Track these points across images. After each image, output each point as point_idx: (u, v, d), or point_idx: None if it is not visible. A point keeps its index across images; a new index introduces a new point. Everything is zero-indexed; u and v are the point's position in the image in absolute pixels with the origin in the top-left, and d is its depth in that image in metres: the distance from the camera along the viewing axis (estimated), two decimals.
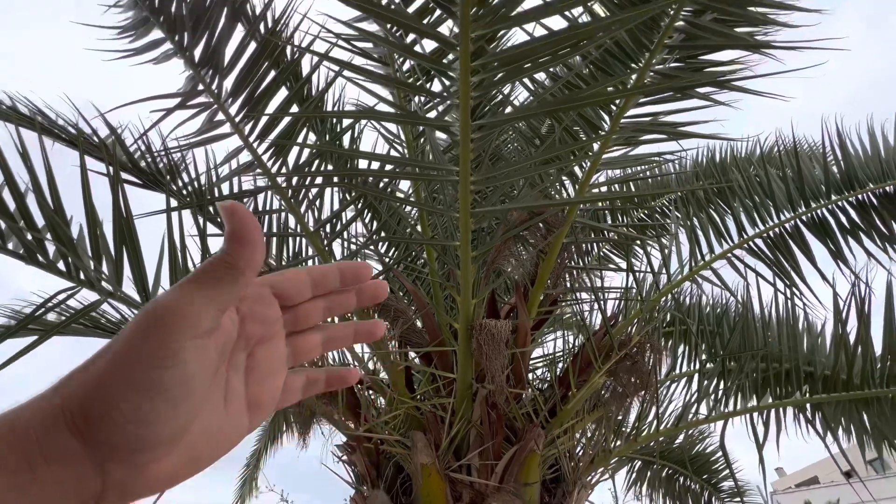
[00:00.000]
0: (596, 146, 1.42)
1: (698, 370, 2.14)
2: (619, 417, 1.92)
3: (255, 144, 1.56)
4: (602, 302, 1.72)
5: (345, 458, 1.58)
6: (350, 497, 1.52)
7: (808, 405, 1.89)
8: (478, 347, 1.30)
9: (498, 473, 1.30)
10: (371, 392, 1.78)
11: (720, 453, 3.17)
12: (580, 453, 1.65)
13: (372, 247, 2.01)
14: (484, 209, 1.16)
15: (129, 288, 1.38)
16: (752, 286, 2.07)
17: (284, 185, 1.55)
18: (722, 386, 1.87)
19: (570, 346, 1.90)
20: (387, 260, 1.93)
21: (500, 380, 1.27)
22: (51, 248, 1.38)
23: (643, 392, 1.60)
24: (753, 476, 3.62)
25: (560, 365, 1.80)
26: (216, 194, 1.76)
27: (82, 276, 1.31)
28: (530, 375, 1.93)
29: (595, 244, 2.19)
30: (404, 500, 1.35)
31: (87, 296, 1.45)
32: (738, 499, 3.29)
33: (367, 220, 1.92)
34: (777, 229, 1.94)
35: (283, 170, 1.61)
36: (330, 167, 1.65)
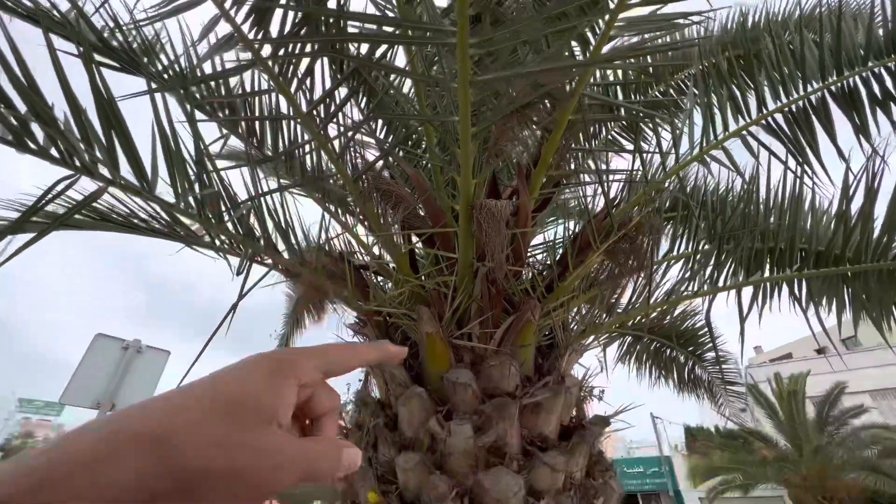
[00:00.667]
0: (613, 3, 1.25)
1: (694, 251, 2.20)
2: (614, 297, 2.04)
3: (231, 12, 1.40)
4: (606, 184, 1.69)
5: (358, 332, 1.72)
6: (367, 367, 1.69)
7: (796, 280, 1.97)
8: (478, 226, 1.32)
9: (496, 339, 1.42)
10: (378, 277, 1.87)
11: (705, 329, 3.43)
12: (574, 325, 1.78)
13: (369, 132, 1.93)
14: (484, 77, 1.08)
15: (127, 174, 1.37)
16: (762, 167, 2.02)
17: (270, 59, 1.43)
18: (713, 263, 1.94)
19: (571, 231, 1.93)
20: (385, 146, 1.87)
21: (499, 257, 1.31)
22: (40, 136, 1.34)
23: (639, 272, 1.66)
24: (734, 349, 3.96)
25: (560, 248, 1.85)
26: (199, 74, 1.64)
27: (77, 163, 1.30)
28: (530, 259, 2.00)
29: (603, 126, 2.08)
30: (413, 363, 1.51)
31: (89, 187, 1.45)
32: (719, 367, 3.66)
33: (362, 102, 1.81)
34: (801, 102, 1.82)
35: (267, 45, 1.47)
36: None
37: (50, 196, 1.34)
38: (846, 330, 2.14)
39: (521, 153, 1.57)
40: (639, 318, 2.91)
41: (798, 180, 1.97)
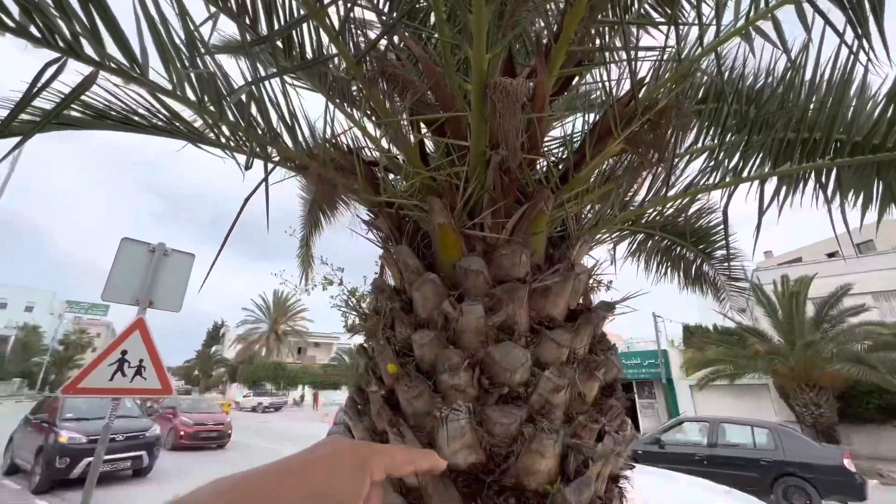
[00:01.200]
0: None
1: (721, 142, 2.07)
2: (630, 192, 1.99)
3: None
4: (634, 62, 1.53)
5: (370, 226, 1.74)
6: (379, 256, 1.74)
7: (825, 171, 1.87)
8: (492, 108, 1.23)
9: (508, 229, 1.42)
10: (389, 174, 1.83)
11: (718, 228, 3.40)
12: (587, 218, 1.77)
13: (371, 5, 1.73)
14: None
15: (115, 54, 1.28)
16: (812, 43, 1.79)
17: None
18: (740, 153, 1.84)
19: (590, 121, 1.81)
20: (389, 21, 1.69)
21: (514, 143, 1.25)
22: (16, 12, 1.23)
23: (660, 163, 1.58)
24: (743, 248, 3.95)
25: (577, 138, 1.76)
26: None
27: (60, 42, 1.21)
28: (545, 150, 1.92)
29: None
30: (426, 252, 1.55)
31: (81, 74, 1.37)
32: (727, 264, 3.71)
33: None
34: None
35: None
36: None
37: (40, 84, 1.28)
38: (865, 233, 2.09)
39: (540, 26, 1.40)
40: (653, 214, 2.89)
41: (852, 58, 1.76)
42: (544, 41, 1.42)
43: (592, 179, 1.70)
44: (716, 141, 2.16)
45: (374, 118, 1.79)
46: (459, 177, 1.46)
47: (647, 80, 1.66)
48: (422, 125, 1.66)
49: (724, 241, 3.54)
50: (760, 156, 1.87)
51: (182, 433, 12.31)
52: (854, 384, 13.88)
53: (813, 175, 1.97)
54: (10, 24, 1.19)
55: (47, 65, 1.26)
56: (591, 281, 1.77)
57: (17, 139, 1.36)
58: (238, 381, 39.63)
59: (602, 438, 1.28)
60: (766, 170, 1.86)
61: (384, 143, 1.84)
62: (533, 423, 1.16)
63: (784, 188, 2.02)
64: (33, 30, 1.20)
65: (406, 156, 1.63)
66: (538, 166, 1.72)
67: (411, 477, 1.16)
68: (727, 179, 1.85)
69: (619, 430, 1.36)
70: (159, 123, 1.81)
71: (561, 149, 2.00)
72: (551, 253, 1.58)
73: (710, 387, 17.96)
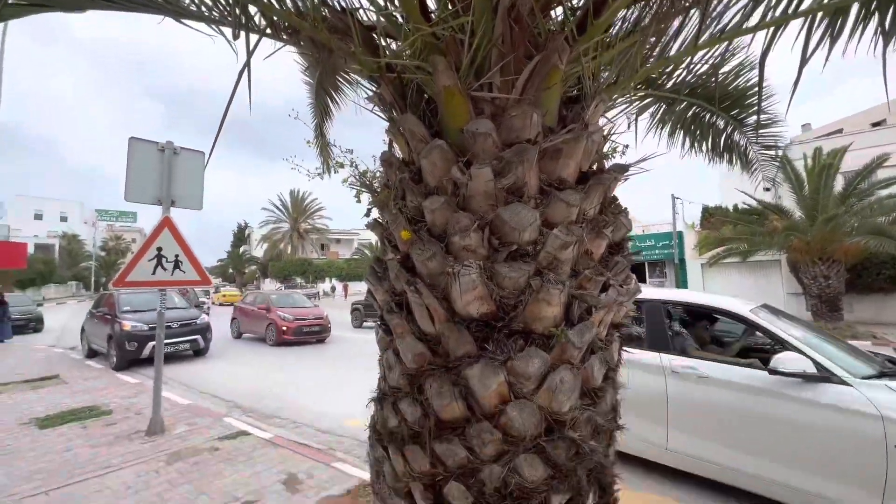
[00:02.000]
0: None
1: None
2: (658, 45, 1.78)
3: None
4: None
5: (374, 95, 1.65)
6: (385, 129, 1.69)
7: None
8: None
9: (518, 87, 1.33)
10: (388, 40, 1.66)
11: (752, 89, 3.12)
12: (605, 73, 1.63)
13: None
14: None
15: None
16: None
17: None
18: None
19: None
20: None
21: None
22: None
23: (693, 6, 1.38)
24: (782, 115, 3.63)
25: None
26: None
27: None
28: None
29: None
30: (432, 120, 1.49)
31: None
32: (758, 131, 3.48)
33: None
34: None
35: None
36: None
37: None
38: None
39: None
40: (682, 74, 2.64)
41: None
42: None
43: (615, 30, 1.52)
44: None
45: None
46: (464, 30, 1.32)
47: None
48: None
49: (757, 107, 3.28)
50: None
51: (284, 328, 11.81)
52: (868, 256, 13.99)
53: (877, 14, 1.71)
54: None
55: None
56: (605, 143, 1.70)
57: None
58: (270, 277, 42.57)
59: (606, 290, 1.36)
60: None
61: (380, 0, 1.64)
62: (540, 276, 1.23)
63: (838, 24, 1.76)
64: None
65: (406, 10, 1.46)
66: (552, 13, 1.54)
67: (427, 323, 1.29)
68: (768, 19, 1.62)
69: (623, 284, 1.44)
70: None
71: None
72: (564, 114, 1.50)
73: (722, 265, 18.43)
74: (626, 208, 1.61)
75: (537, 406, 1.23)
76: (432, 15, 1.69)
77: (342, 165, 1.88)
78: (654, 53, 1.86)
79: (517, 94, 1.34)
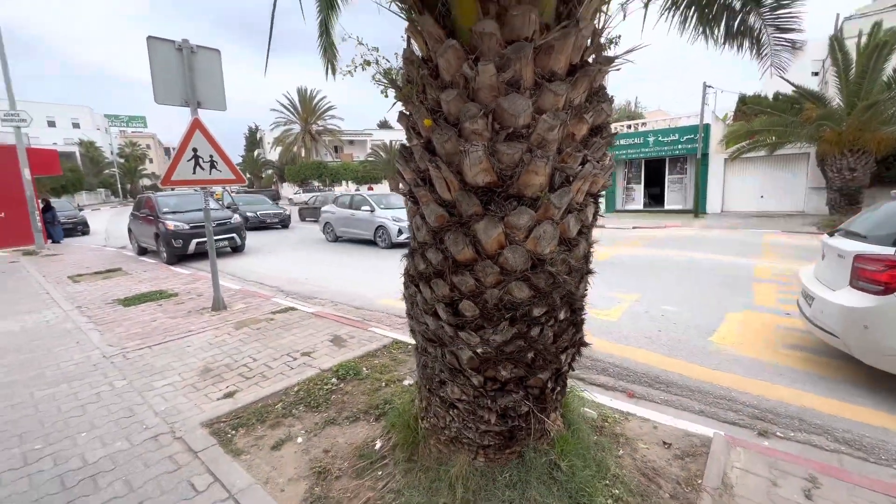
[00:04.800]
0: None
1: None
2: None
3: None
4: None
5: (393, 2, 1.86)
6: (405, 28, 1.93)
7: None
8: None
9: None
10: None
11: None
12: None
13: None
14: None
15: None
16: None
17: None
18: None
19: None
20: None
21: None
22: None
23: None
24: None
25: None
26: None
27: None
28: None
29: None
30: (446, 21, 1.73)
31: None
32: (777, 11, 3.40)
33: None
34: None
35: None
36: None
37: None
38: None
39: None
40: None
41: None
42: None
43: None
44: None
45: None
46: None
47: None
48: None
49: None
50: None
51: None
52: None
53: None
54: None
55: None
56: (599, 37, 1.92)
57: None
58: (287, 181, 43.14)
59: (584, 164, 1.74)
60: None
61: None
62: (531, 152, 1.61)
63: None
64: None
65: None
66: None
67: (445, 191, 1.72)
68: None
69: (600, 160, 1.81)
70: None
71: None
72: (561, 11, 1.72)
73: (746, 159, 17.87)
74: (611, 96, 1.90)
75: (526, 249, 1.71)
76: None
77: (369, 63, 2.14)
78: None
79: None
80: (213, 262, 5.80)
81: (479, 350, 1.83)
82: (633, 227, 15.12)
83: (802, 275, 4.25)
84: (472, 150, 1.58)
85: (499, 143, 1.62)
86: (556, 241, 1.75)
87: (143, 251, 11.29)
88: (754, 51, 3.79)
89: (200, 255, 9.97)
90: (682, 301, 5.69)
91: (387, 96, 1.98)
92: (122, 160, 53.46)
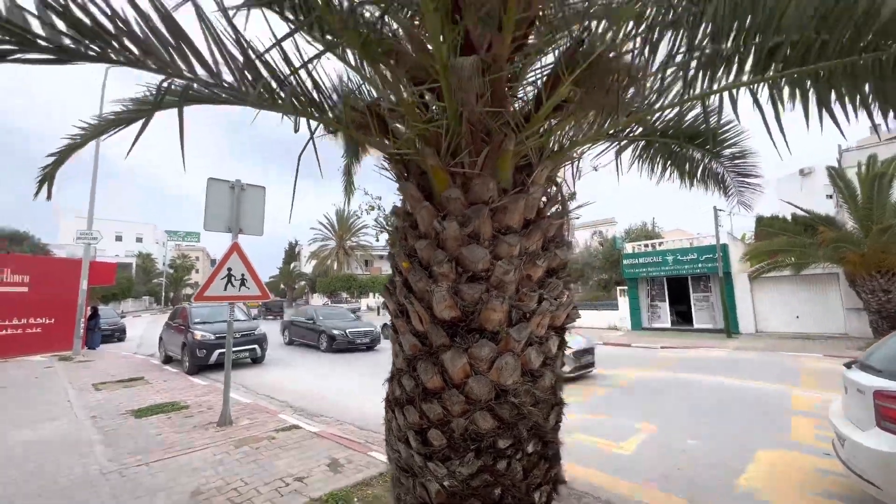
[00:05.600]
0: None
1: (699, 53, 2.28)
2: (599, 115, 2.37)
3: None
4: (568, 25, 1.87)
5: (386, 168, 2.37)
6: (396, 189, 2.39)
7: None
8: (456, 82, 1.73)
9: (478, 165, 1.99)
10: (394, 121, 2.38)
11: (725, 128, 3.56)
12: (552, 146, 2.24)
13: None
14: None
15: (203, 75, 1.91)
16: None
17: None
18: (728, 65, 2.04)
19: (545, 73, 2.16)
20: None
21: (470, 104, 1.76)
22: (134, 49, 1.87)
23: (606, 98, 1.98)
24: (757, 143, 3.97)
25: (543, 81, 2.15)
26: None
27: (154, 65, 1.86)
28: (519, 93, 2.34)
29: None
30: (425, 185, 2.16)
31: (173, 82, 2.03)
32: (735, 161, 3.87)
33: None
34: None
35: None
36: None
37: (162, 90, 1.97)
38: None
39: (491, 5, 1.79)
40: (655, 120, 3.15)
41: None
42: (496, 15, 1.81)
43: (552, 114, 2.15)
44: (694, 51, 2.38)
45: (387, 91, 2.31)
46: (442, 128, 2.01)
47: (588, 32, 1.98)
48: (417, 87, 2.16)
49: (733, 141, 3.70)
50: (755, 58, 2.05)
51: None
52: None
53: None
54: (130, 56, 1.84)
55: (162, 82, 1.94)
56: (556, 193, 2.31)
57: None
58: (318, 292, 44.92)
59: (541, 302, 1.96)
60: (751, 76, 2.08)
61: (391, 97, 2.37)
62: (489, 292, 1.86)
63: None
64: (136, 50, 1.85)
65: (405, 111, 2.18)
66: (513, 107, 2.18)
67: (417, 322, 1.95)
68: (717, 87, 2.12)
69: (557, 298, 2.03)
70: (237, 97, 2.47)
71: (524, 92, 2.39)
72: (518, 177, 2.13)
73: (774, 279, 17.60)
74: (568, 241, 2.20)
75: (489, 380, 1.84)
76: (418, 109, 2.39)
77: (373, 208, 2.59)
78: (606, 119, 2.45)
79: (478, 169, 2.00)
80: (227, 378, 5.98)
81: (446, 483, 1.84)
82: (661, 347, 14.50)
83: (832, 411, 3.97)
84: (437, 290, 1.85)
85: (461, 284, 1.89)
86: (519, 373, 1.88)
87: (168, 360, 11.65)
88: (721, 191, 4.23)
89: (221, 365, 10.20)
90: (709, 434, 5.25)
91: (378, 241, 2.36)
92: (171, 270, 58.00)
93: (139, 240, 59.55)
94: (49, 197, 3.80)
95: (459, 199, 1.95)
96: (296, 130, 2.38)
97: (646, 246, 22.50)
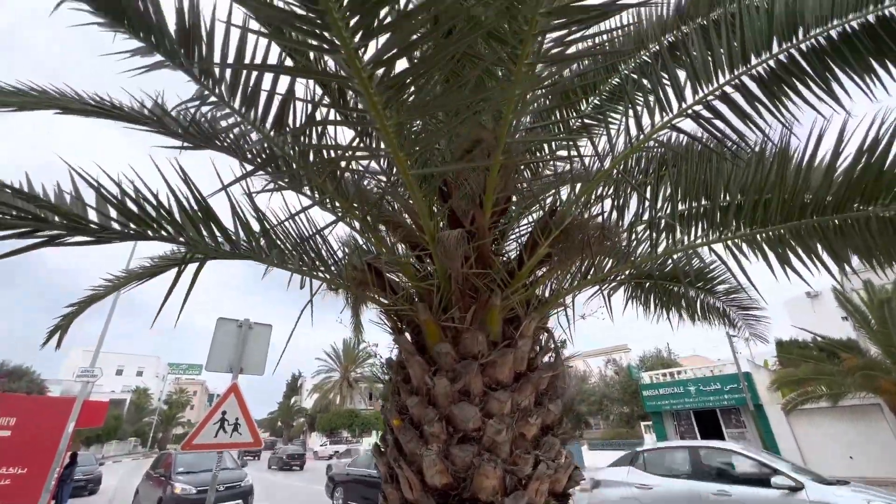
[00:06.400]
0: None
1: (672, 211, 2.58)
2: (578, 266, 2.58)
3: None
4: (541, 197, 2.20)
5: (381, 321, 2.51)
6: (392, 340, 2.48)
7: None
8: (443, 252, 1.96)
9: (468, 320, 2.11)
10: (392, 275, 2.60)
11: (711, 267, 3.77)
12: (539, 298, 2.40)
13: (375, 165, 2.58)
14: (421, 171, 1.68)
15: (223, 244, 2.20)
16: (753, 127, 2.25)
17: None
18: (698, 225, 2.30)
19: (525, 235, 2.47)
20: (383, 182, 2.52)
21: (456, 270, 1.96)
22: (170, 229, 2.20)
23: (580, 258, 2.20)
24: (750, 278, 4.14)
25: (523, 243, 2.42)
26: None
27: (183, 239, 2.14)
28: (504, 252, 2.60)
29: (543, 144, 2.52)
30: (418, 338, 2.26)
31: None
32: (731, 295, 3.97)
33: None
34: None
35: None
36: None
37: (188, 255, 2.22)
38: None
39: (472, 188, 2.14)
40: (642, 264, 3.36)
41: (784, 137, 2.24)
42: (477, 192, 2.15)
43: (533, 271, 2.35)
44: (656, 214, 2.70)
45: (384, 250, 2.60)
46: (433, 286, 2.19)
47: (559, 202, 2.32)
48: (412, 248, 2.43)
49: (722, 277, 3.87)
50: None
51: None
52: None
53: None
54: (164, 233, 2.15)
55: (186, 254, 2.21)
56: (547, 341, 2.37)
57: None
58: (317, 430, 41.51)
59: (538, 465, 1.86)
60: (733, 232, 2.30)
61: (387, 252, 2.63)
62: (481, 455, 1.79)
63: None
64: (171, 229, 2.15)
65: (401, 270, 2.40)
66: (499, 264, 2.40)
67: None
68: (695, 240, 2.33)
69: (555, 459, 1.93)
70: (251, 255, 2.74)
71: (507, 251, 2.67)
72: (506, 330, 2.23)
73: (811, 410, 16.16)
74: (560, 394, 2.18)
75: None
76: (425, 261, 2.64)
77: (370, 356, 2.64)
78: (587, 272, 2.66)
79: (467, 324, 2.11)
80: None
81: None
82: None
83: None
84: (427, 453, 1.79)
85: (452, 446, 1.83)
86: None
87: None
88: (728, 325, 4.25)
89: None
90: None
91: (371, 399, 2.36)
92: (165, 406, 54.98)
93: (140, 373, 57.99)
94: (58, 346, 3.93)
95: (450, 353, 2.02)
96: (301, 286, 2.59)
97: (664, 375, 21.34)
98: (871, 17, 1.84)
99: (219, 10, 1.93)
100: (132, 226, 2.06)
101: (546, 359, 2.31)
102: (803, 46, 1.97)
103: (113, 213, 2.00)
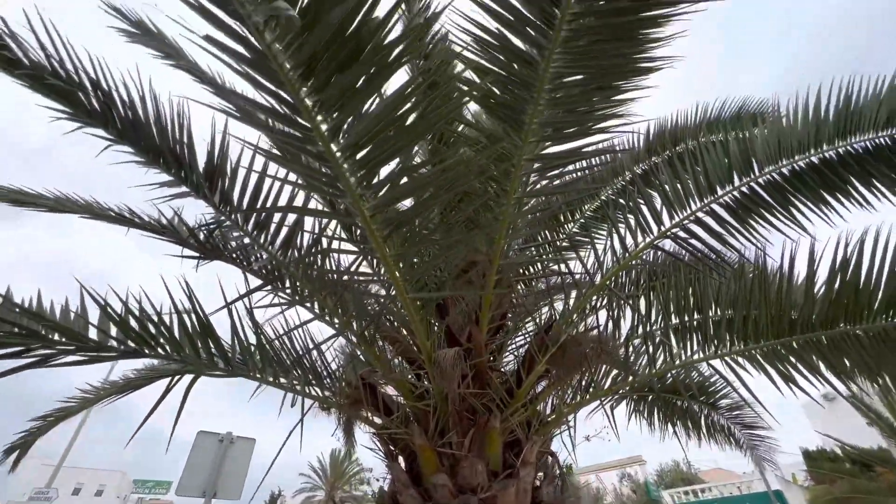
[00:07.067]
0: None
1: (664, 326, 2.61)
2: (576, 382, 2.53)
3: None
4: (542, 309, 2.27)
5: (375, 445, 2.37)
6: (385, 465, 2.32)
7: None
8: (439, 372, 1.95)
9: (465, 447, 2.00)
10: (387, 391, 2.53)
11: (710, 381, 3.68)
12: (538, 419, 2.31)
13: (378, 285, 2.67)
14: (419, 295, 1.76)
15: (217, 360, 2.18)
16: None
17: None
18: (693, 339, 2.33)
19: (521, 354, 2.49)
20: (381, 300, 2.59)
21: (453, 391, 1.93)
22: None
23: (574, 374, 2.18)
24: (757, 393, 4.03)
25: (521, 359, 2.42)
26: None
27: (180, 357, 2.12)
28: (502, 368, 2.58)
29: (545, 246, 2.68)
30: (413, 465, 2.11)
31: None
32: (735, 412, 3.81)
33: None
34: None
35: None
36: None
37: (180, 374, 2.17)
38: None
39: (468, 306, 2.21)
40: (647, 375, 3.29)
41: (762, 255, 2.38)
42: (473, 310, 2.21)
43: (533, 390, 2.30)
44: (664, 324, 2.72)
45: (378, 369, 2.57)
46: (430, 407, 2.12)
47: (553, 320, 2.37)
48: (409, 364, 2.40)
49: (724, 391, 3.75)
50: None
51: None
52: None
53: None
54: (161, 351, 2.14)
55: (176, 374, 2.18)
56: (552, 469, 2.21)
57: None
58: None
59: None
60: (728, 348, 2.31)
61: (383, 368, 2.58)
62: None
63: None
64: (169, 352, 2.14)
65: (397, 389, 2.34)
66: (499, 382, 2.36)
67: None
68: (695, 356, 2.32)
69: None
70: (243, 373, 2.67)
71: (505, 366, 2.66)
72: (507, 457, 2.10)
73: None
74: None
75: None
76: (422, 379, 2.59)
77: (362, 482, 2.42)
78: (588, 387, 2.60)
79: (465, 450, 2.00)
80: None
81: None
82: None
83: None
84: None
85: None
86: None
87: None
88: (733, 445, 3.99)
89: None
90: None
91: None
92: None
93: (99, 493, 51.34)
94: (14, 468, 3.61)
95: (447, 485, 1.88)
96: (293, 405, 2.50)
97: (686, 494, 19.18)
98: (814, 159, 2.10)
99: (239, 149, 2.21)
100: (130, 343, 2.06)
101: (551, 489, 2.14)
102: (761, 180, 2.21)
103: (113, 330, 2.02)
